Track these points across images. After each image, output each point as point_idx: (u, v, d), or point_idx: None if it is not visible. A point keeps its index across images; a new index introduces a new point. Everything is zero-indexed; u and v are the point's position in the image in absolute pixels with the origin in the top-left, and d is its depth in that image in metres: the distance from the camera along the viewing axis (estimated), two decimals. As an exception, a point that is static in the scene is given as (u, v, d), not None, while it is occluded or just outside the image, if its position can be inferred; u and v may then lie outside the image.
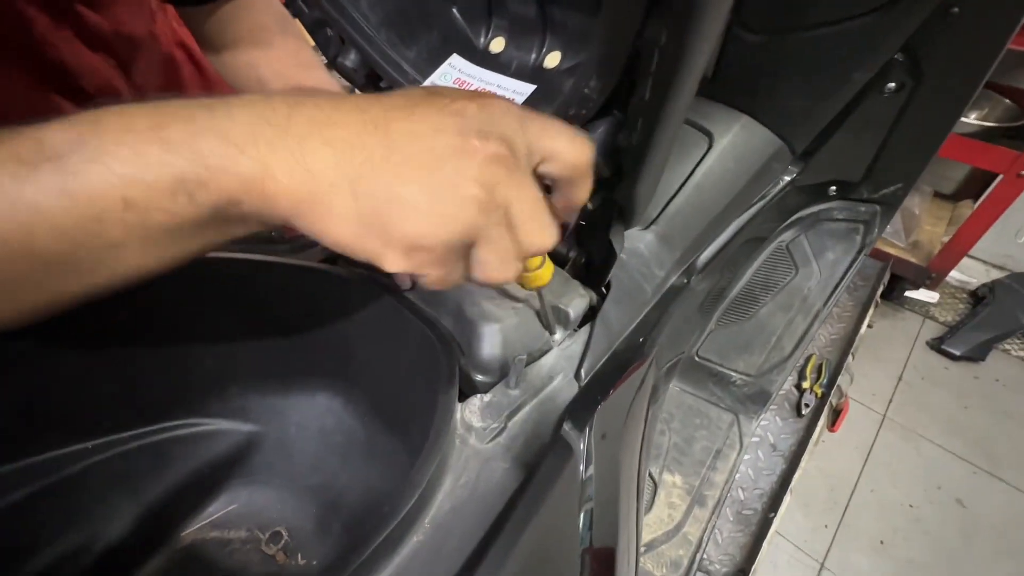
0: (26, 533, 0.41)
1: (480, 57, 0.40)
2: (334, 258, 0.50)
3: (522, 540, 0.25)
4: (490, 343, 0.38)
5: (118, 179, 0.20)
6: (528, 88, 0.38)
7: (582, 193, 0.29)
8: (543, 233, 0.26)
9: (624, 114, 0.36)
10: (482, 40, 0.41)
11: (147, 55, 0.55)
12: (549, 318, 0.43)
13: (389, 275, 0.45)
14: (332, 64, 0.46)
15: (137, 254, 0.22)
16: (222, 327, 0.48)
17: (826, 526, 1.21)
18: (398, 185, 0.22)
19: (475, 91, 0.26)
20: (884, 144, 0.68)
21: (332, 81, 0.47)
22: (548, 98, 0.35)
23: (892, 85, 0.58)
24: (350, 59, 0.42)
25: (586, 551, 0.35)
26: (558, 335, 0.45)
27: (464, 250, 0.25)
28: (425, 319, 0.43)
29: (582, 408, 0.36)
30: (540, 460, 0.34)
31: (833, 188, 0.79)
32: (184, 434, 0.50)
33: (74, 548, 0.44)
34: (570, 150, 0.26)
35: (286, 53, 0.47)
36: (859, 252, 0.83)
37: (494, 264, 0.25)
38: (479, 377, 0.39)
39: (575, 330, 0.48)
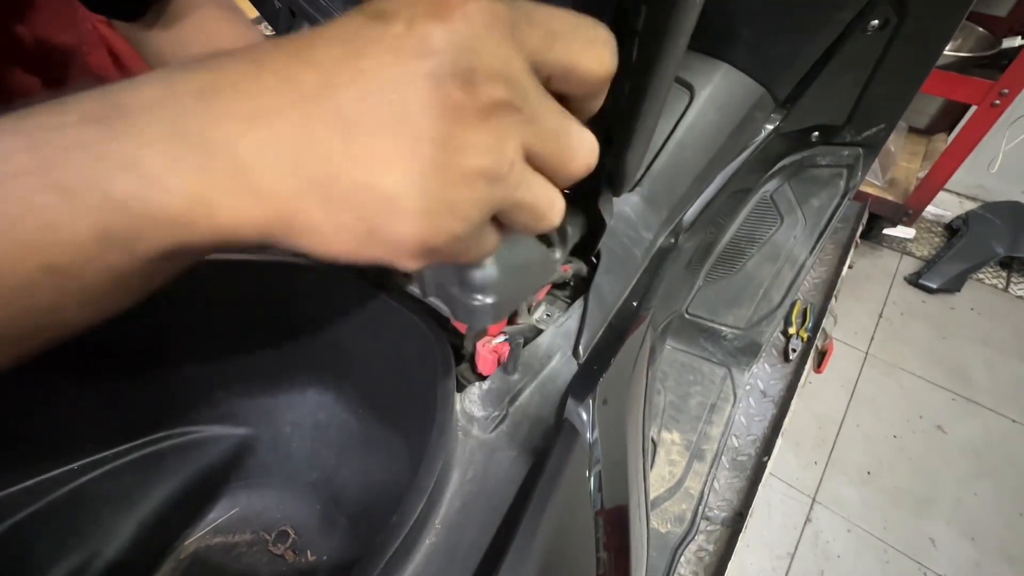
0: (16, 562, 0.39)
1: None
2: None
3: (539, 534, 0.24)
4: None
5: (20, 249, 0.15)
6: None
7: (597, 103, 0.22)
8: (583, 153, 0.20)
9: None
10: None
11: (77, 69, 0.49)
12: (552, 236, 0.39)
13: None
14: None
15: (85, 311, 0.18)
16: (199, 333, 0.46)
17: (816, 463, 1.26)
18: (374, 181, 0.17)
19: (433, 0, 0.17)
20: (867, 84, 0.66)
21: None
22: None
23: (876, 22, 0.56)
24: (304, 32, 0.39)
25: (599, 513, 0.34)
26: (558, 254, 0.41)
27: (488, 223, 0.20)
28: (412, 305, 0.41)
29: (583, 387, 0.35)
30: (546, 445, 0.33)
31: (815, 134, 0.77)
32: (174, 444, 0.48)
33: (73, 569, 0.43)
34: (589, 62, 0.19)
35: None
36: (843, 196, 0.82)
37: (532, 222, 0.21)
38: (477, 299, 0.34)
39: (568, 304, 0.47)
